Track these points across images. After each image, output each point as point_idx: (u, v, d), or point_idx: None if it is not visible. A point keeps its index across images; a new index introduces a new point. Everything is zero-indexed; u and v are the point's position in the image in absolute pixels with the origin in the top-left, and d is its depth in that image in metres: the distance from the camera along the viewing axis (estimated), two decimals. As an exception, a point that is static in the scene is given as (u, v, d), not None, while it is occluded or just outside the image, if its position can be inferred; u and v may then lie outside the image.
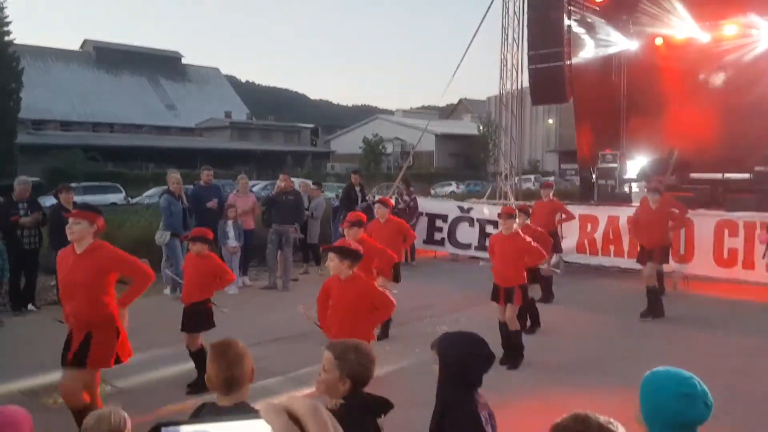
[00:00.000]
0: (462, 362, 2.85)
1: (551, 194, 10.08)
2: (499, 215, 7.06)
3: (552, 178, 39.13)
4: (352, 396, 2.75)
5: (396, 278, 7.65)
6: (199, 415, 2.78)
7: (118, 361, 4.61)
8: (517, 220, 6.86)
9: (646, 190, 9.37)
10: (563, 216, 10.07)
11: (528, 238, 6.79)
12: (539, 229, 8.39)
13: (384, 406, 2.79)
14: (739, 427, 4.91)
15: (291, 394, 5.54)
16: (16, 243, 8.68)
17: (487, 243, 11.76)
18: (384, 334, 7.40)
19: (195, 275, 6.06)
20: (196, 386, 5.66)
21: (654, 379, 2.13)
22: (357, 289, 4.72)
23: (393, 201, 14.00)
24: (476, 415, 2.79)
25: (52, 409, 5.00)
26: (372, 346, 4.91)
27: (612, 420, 1.71)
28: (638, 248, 9.21)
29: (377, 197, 14.83)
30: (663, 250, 8.66)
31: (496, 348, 6.48)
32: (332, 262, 4.75)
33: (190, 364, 6.04)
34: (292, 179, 11.88)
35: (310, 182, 15.12)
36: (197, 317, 5.94)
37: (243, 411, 2.59)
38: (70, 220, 4.49)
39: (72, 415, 4.40)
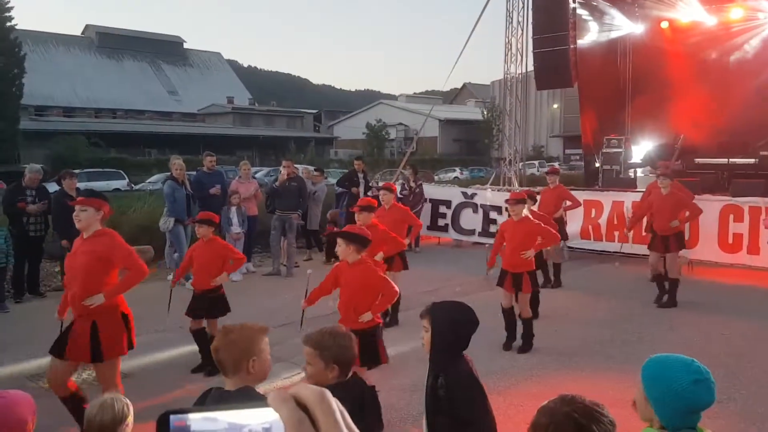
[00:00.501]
0: (453, 328, 2.99)
1: (557, 180, 10.04)
2: (507, 201, 7.04)
3: (557, 164, 39.11)
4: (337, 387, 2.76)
5: (404, 266, 7.60)
6: (206, 399, 2.78)
7: (130, 346, 4.61)
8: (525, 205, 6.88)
9: (657, 176, 9.22)
10: (569, 203, 10.02)
11: (537, 221, 6.79)
12: (544, 214, 8.38)
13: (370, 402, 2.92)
14: (745, 412, 4.91)
15: (295, 381, 5.56)
16: (22, 229, 8.68)
17: (492, 229, 11.82)
18: (393, 321, 7.39)
19: (205, 262, 6.01)
20: (201, 368, 5.86)
21: (661, 368, 2.12)
22: (363, 274, 4.81)
23: (398, 187, 14.01)
24: (471, 373, 2.99)
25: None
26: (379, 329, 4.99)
27: (598, 402, 1.71)
28: (644, 234, 9.19)
29: (380, 183, 14.84)
30: (678, 237, 8.48)
31: (501, 333, 6.52)
32: (340, 247, 4.85)
33: (194, 348, 6.06)
34: (295, 165, 11.87)
35: (311, 168, 15.10)
36: (213, 303, 5.98)
37: (247, 396, 2.59)
38: (76, 207, 4.45)
39: (62, 402, 4.43)
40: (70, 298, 4.49)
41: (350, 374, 2.95)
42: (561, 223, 9.61)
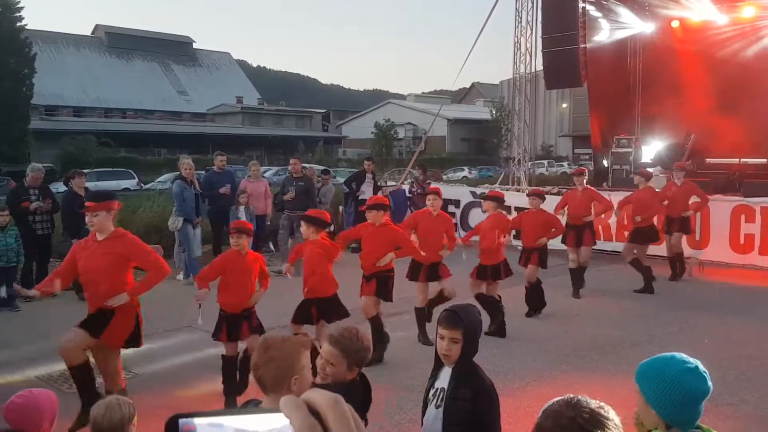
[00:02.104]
0: (478, 333, 2.98)
1: (585, 181, 9.49)
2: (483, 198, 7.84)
3: (566, 163, 38.94)
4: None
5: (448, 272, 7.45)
6: None
7: (132, 344, 4.65)
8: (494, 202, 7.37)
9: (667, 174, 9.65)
10: (602, 210, 9.36)
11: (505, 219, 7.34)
12: (551, 214, 8.35)
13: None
14: (757, 415, 4.87)
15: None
16: (29, 229, 8.72)
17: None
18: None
19: (244, 278, 5.39)
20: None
21: (650, 367, 2.16)
22: (317, 249, 5.69)
23: (406, 186, 14.01)
24: (494, 386, 2.94)
25: (67, 393, 5.03)
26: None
27: (603, 404, 1.69)
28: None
29: (389, 183, 14.83)
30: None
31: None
32: (302, 227, 5.81)
33: (204, 349, 6.06)
34: (303, 165, 11.89)
35: (316, 168, 15.15)
36: (255, 321, 5.53)
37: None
38: (88, 214, 4.52)
39: (69, 371, 4.55)
40: (90, 297, 4.60)
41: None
42: (590, 227, 9.05)
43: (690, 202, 9.62)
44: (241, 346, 5.39)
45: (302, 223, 5.68)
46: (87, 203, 4.66)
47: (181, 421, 0.66)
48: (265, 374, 2.47)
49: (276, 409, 0.67)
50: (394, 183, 14.66)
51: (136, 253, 4.58)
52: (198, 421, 0.66)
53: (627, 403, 2.64)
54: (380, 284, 6.34)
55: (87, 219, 4.51)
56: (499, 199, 7.52)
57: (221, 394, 5.39)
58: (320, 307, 5.70)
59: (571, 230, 8.86)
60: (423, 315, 6.95)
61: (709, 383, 2.08)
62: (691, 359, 2.12)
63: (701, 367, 2.10)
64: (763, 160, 13.81)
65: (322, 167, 16.31)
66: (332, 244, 5.95)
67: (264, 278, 5.61)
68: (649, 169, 15.20)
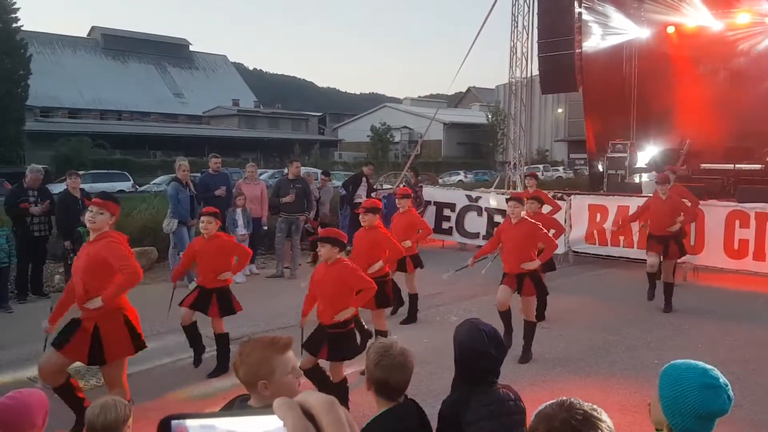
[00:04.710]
0: (459, 350, 2.88)
1: (535, 188, 9.50)
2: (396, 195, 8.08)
3: (561, 168, 39.00)
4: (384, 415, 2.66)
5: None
6: (231, 409, 2.65)
7: (140, 347, 4.58)
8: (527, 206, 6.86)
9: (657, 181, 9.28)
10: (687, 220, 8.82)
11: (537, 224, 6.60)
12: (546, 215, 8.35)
13: None
14: (751, 419, 4.86)
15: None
16: (26, 230, 8.68)
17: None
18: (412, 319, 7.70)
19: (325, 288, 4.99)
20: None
21: (676, 371, 2.12)
22: (218, 244, 6.02)
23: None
24: (453, 410, 2.80)
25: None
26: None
27: (596, 407, 1.68)
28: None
29: (384, 186, 14.85)
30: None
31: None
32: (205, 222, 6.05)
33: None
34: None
35: (313, 171, 15.15)
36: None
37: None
38: (93, 208, 4.38)
39: (54, 391, 4.43)
40: (77, 299, 4.49)
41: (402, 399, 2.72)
42: (676, 238, 8.55)
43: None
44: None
45: (205, 218, 6.11)
46: (95, 198, 4.53)
47: (174, 422, 0.66)
48: (240, 375, 2.46)
49: (269, 411, 0.66)
50: (389, 186, 14.67)
51: (111, 255, 4.36)
52: (190, 422, 0.66)
53: (621, 407, 2.64)
54: (378, 292, 5.93)
55: (91, 215, 4.36)
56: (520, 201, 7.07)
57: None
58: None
59: (654, 240, 8.49)
60: (508, 318, 6.55)
61: (729, 402, 2.03)
62: (720, 376, 2.06)
63: (725, 387, 2.04)
64: (758, 166, 13.87)
65: (319, 170, 16.32)
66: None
67: (367, 287, 4.98)
68: (645, 175, 15.32)
